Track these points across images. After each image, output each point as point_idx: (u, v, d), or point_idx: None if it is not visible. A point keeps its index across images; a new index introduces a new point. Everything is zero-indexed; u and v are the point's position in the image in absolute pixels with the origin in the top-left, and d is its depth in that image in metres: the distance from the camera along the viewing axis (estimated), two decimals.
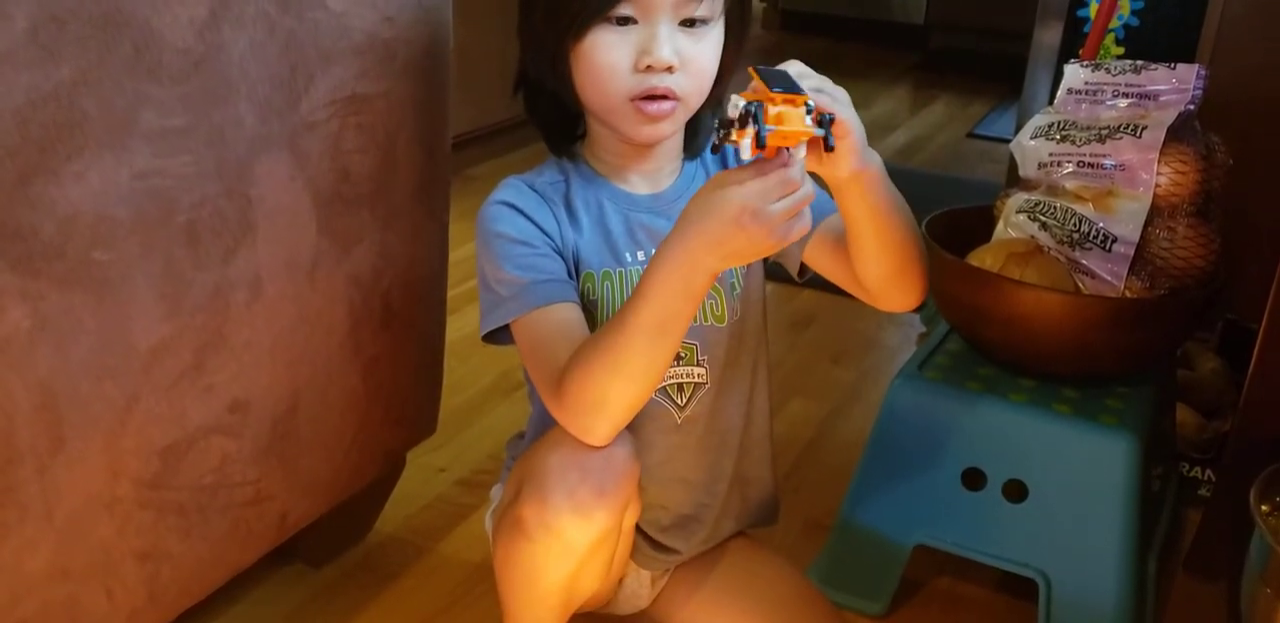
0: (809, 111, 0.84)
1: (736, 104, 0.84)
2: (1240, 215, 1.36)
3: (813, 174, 0.96)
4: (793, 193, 0.87)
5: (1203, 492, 1.60)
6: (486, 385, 1.91)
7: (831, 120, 0.86)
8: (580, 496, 1.00)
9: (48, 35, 0.78)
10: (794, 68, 0.89)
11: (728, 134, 0.84)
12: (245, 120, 0.97)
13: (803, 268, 1.14)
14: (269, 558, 1.24)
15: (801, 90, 0.85)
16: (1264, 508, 1.13)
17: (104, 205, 0.86)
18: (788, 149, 0.86)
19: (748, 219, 0.87)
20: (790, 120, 0.84)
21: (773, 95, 0.83)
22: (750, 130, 0.83)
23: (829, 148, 0.87)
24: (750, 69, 0.87)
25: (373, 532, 1.48)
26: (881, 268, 1.03)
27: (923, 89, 4.42)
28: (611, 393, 0.97)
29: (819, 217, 1.11)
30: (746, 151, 0.84)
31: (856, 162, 0.92)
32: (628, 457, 1.03)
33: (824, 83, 0.89)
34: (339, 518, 1.34)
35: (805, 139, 0.85)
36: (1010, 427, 1.27)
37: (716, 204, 0.88)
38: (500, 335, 1.08)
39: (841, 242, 1.06)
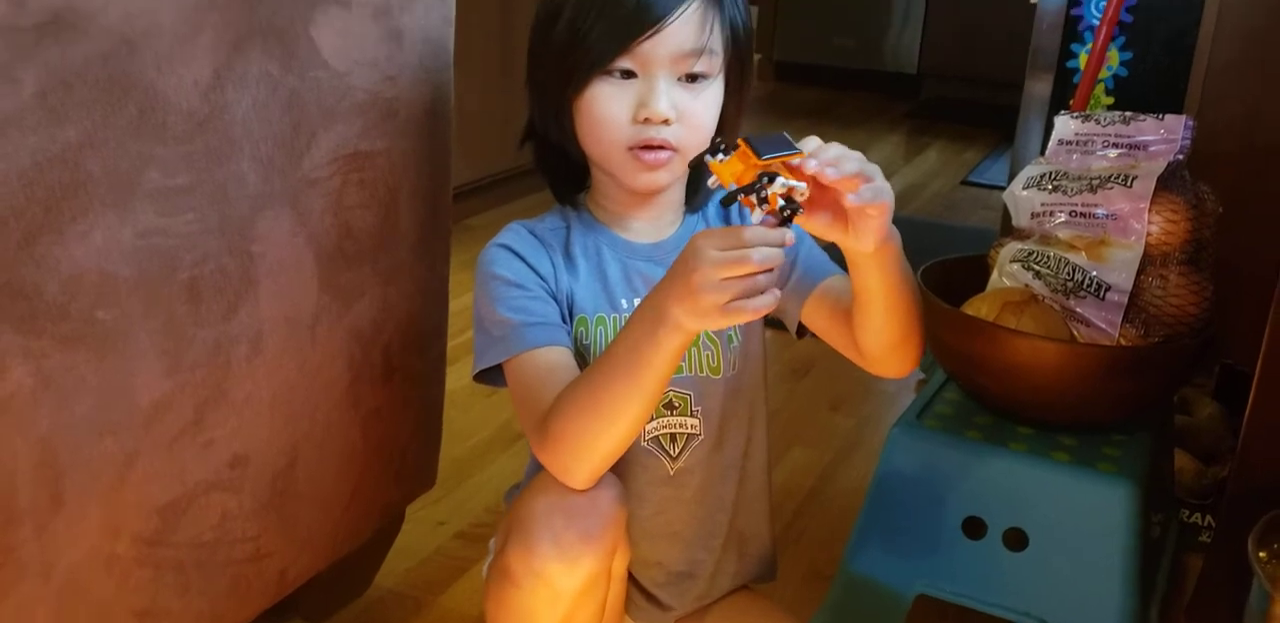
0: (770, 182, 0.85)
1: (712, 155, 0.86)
2: (1232, 262, 1.37)
3: (829, 246, 0.97)
4: (739, 248, 0.85)
5: (1203, 538, 1.60)
6: (487, 437, 1.91)
7: (796, 210, 0.86)
8: (565, 540, 1.00)
9: (55, 99, 0.79)
10: (834, 150, 0.87)
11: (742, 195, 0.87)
12: (248, 178, 0.98)
13: (801, 327, 1.15)
14: (268, 614, 1.23)
15: (795, 150, 0.85)
16: (1262, 555, 1.13)
17: (107, 264, 0.86)
18: (763, 210, 0.86)
19: (689, 253, 0.87)
20: (741, 178, 0.86)
21: (766, 163, 0.85)
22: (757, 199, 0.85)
23: (788, 219, 0.86)
24: (740, 140, 0.86)
25: (372, 586, 1.47)
26: (883, 338, 1.05)
27: (916, 137, 4.46)
28: (589, 434, 0.97)
29: (818, 278, 1.12)
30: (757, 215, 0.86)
31: (882, 239, 0.92)
32: (613, 500, 1.03)
33: (866, 166, 0.88)
34: (338, 573, 1.33)
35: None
36: (1009, 475, 1.27)
37: (683, 249, 0.89)
38: (492, 376, 1.09)
39: (840, 305, 1.08)
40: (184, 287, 0.94)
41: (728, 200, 0.87)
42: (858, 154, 0.88)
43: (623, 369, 0.94)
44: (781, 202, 0.85)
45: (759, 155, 0.85)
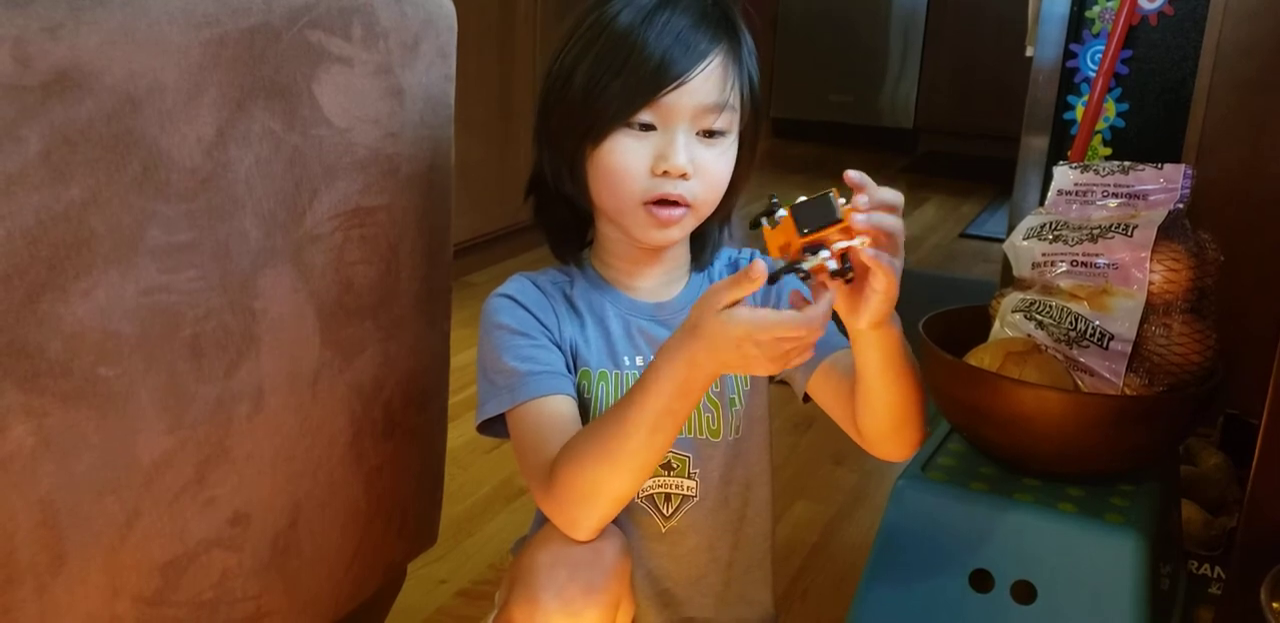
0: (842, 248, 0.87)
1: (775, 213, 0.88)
2: (1233, 311, 1.37)
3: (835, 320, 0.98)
4: (802, 336, 0.87)
5: (1213, 590, 1.58)
6: (487, 493, 1.90)
7: (848, 270, 0.87)
8: (569, 594, 0.99)
9: (59, 157, 0.80)
10: (889, 192, 0.88)
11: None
12: (250, 235, 0.98)
13: (806, 395, 1.15)
14: None
15: (836, 220, 0.86)
16: (1275, 606, 1.12)
17: (110, 322, 0.86)
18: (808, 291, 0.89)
19: (749, 346, 0.87)
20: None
21: (801, 239, 0.86)
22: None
23: (848, 279, 0.88)
24: (786, 209, 0.87)
25: None
26: (879, 421, 1.04)
27: (914, 191, 4.49)
28: (602, 484, 0.96)
29: (829, 350, 1.12)
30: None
31: (879, 319, 0.92)
32: (617, 553, 1.02)
33: (889, 222, 0.88)
34: None
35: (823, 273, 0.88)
36: (1016, 527, 1.26)
37: (722, 324, 0.88)
38: (495, 428, 1.08)
39: (846, 380, 1.08)
40: (186, 344, 0.94)
41: (773, 279, 0.87)
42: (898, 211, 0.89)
43: (646, 421, 0.93)
44: (834, 264, 0.87)
45: (800, 230, 0.86)
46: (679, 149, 1.02)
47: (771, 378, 1.18)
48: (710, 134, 1.05)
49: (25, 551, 0.85)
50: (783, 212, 0.87)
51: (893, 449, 1.08)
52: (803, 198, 0.87)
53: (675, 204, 1.04)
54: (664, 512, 1.14)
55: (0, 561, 0.83)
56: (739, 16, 1.07)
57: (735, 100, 1.05)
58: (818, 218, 0.86)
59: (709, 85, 1.02)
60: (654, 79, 1.01)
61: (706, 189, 1.05)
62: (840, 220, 0.85)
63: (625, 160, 1.03)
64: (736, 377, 1.15)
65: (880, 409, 1.03)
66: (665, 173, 1.02)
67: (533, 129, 1.11)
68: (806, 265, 0.86)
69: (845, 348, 1.13)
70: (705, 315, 0.89)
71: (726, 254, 1.19)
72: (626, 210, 1.06)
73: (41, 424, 0.83)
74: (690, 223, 1.07)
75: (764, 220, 0.89)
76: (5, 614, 0.84)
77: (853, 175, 0.87)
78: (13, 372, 0.80)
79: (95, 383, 0.87)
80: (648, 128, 1.03)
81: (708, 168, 1.05)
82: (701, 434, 1.13)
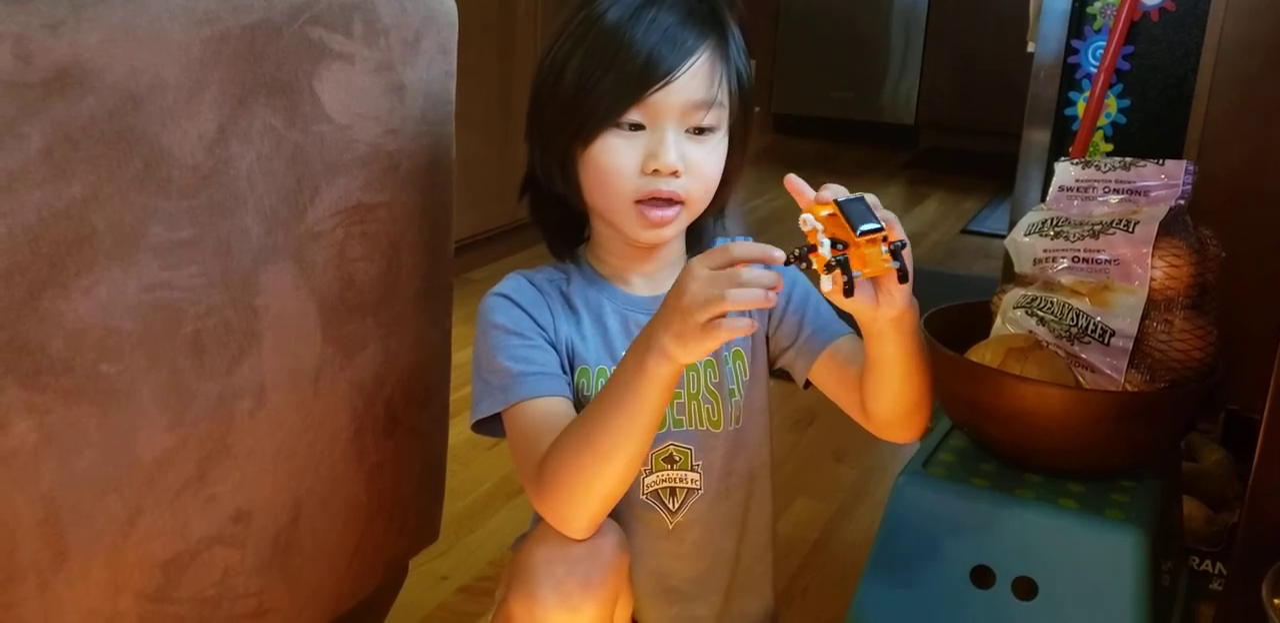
0: (885, 240, 0.88)
1: (805, 221, 0.88)
2: (1236, 307, 1.37)
3: (846, 317, 0.98)
4: (729, 265, 0.86)
5: (1214, 586, 1.58)
6: (488, 490, 1.90)
7: (903, 246, 0.88)
8: (567, 588, 0.99)
9: (61, 154, 0.80)
10: (837, 187, 0.91)
11: (808, 264, 0.88)
12: (252, 232, 0.98)
13: (808, 381, 1.15)
14: None
15: (878, 221, 0.87)
16: (1276, 602, 1.12)
17: (112, 318, 0.86)
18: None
19: (682, 274, 0.88)
20: (872, 261, 0.87)
21: (857, 240, 0.87)
22: (840, 277, 0.87)
23: (904, 278, 0.89)
24: (833, 202, 0.88)
25: None
26: (899, 405, 1.05)
27: (915, 187, 4.49)
28: (583, 475, 0.96)
29: (828, 338, 1.12)
30: (827, 285, 0.88)
31: (906, 302, 0.93)
32: (615, 547, 1.02)
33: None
34: None
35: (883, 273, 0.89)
36: (1017, 523, 1.26)
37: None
38: (491, 427, 1.08)
39: (850, 368, 1.08)
40: (188, 340, 0.94)
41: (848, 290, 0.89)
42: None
43: (615, 405, 0.94)
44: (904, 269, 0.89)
45: (855, 228, 0.87)
46: (668, 147, 1.02)
47: (771, 368, 1.18)
48: (700, 131, 1.05)
49: (27, 548, 0.85)
50: (818, 237, 0.89)
51: (902, 432, 1.10)
52: (844, 196, 0.89)
53: (668, 204, 1.04)
54: (670, 507, 1.14)
55: (2, 558, 0.83)
56: (727, 12, 1.07)
57: (724, 96, 1.05)
58: (862, 218, 0.87)
59: (696, 82, 1.02)
60: (641, 77, 1.01)
61: (698, 185, 1.06)
62: (882, 228, 0.87)
63: (615, 160, 1.03)
64: (735, 367, 1.15)
65: (899, 395, 1.04)
66: (656, 171, 1.03)
67: (525, 126, 1.11)
68: (860, 273, 0.88)
69: (848, 334, 1.13)
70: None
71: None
72: (618, 209, 1.06)
73: (43, 421, 0.83)
74: (684, 220, 1.07)
75: (802, 259, 0.89)
76: (7, 611, 0.84)
77: (794, 180, 0.91)
78: (14, 368, 0.80)
79: (97, 380, 0.87)
80: (636, 127, 1.03)
81: (698, 165, 1.05)
82: (702, 426, 1.14)
